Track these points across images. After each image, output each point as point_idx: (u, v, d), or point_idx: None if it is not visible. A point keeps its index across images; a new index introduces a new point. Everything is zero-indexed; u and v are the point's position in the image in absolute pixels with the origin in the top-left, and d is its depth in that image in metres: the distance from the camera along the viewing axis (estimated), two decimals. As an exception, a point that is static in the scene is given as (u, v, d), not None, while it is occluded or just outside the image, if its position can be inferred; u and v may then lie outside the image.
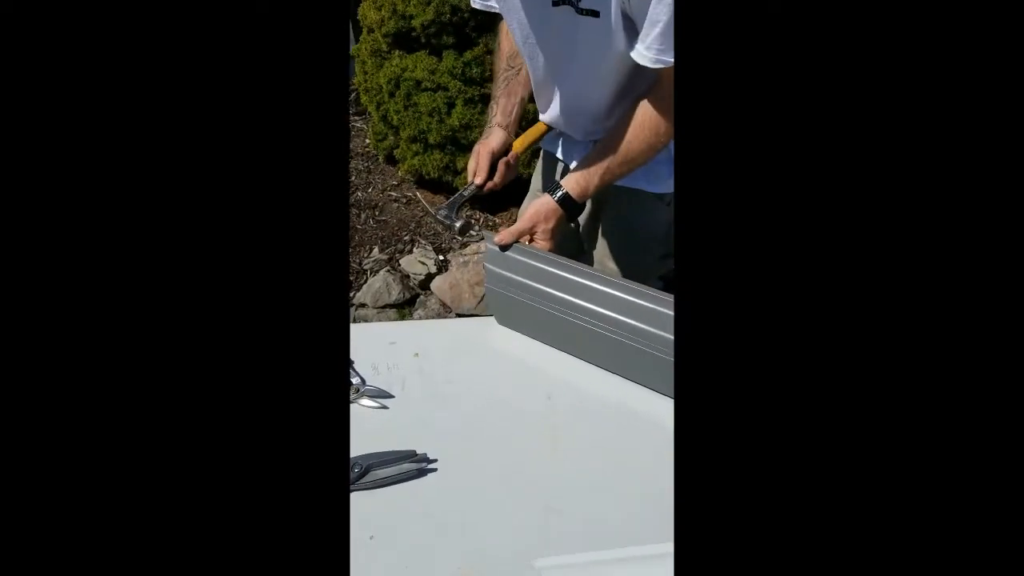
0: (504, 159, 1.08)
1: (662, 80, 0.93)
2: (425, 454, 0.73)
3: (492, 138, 1.09)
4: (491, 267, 0.93)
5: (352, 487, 0.69)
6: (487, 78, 2.30)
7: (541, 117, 1.17)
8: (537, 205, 0.99)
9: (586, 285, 0.87)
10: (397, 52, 2.46)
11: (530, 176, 1.36)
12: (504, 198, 2.63)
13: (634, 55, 0.90)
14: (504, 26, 1.11)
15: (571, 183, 0.99)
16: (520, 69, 1.12)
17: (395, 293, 2.23)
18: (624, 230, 1.17)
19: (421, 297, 2.24)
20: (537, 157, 1.34)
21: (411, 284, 2.27)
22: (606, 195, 1.12)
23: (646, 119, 0.95)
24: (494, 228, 2.61)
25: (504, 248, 0.94)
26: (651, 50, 0.87)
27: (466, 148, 2.46)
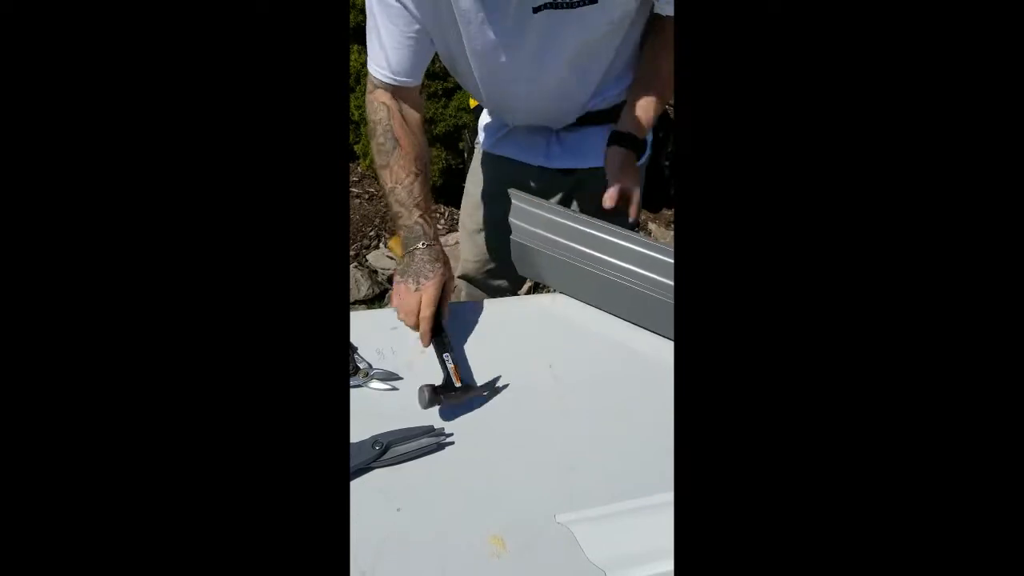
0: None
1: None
2: (442, 428, 0.74)
3: (430, 284, 0.88)
4: (515, 222, 0.97)
5: (375, 464, 0.70)
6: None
7: (510, 122, 1.12)
8: (620, 159, 0.95)
9: (600, 237, 0.91)
10: (356, 46, 2.44)
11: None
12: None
13: (660, 8, 0.92)
14: (381, 128, 0.96)
15: (633, 126, 0.97)
16: (420, 173, 0.97)
17: (364, 288, 2.21)
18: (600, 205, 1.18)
19: (391, 292, 2.23)
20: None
21: (379, 279, 2.26)
22: (584, 176, 1.12)
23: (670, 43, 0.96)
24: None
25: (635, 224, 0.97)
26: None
27: (431, 142, 2.46)
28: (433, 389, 0.76)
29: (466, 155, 1.37)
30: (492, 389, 0.81)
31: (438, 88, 2.36)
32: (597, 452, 0.76)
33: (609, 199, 0.91)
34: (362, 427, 0.72)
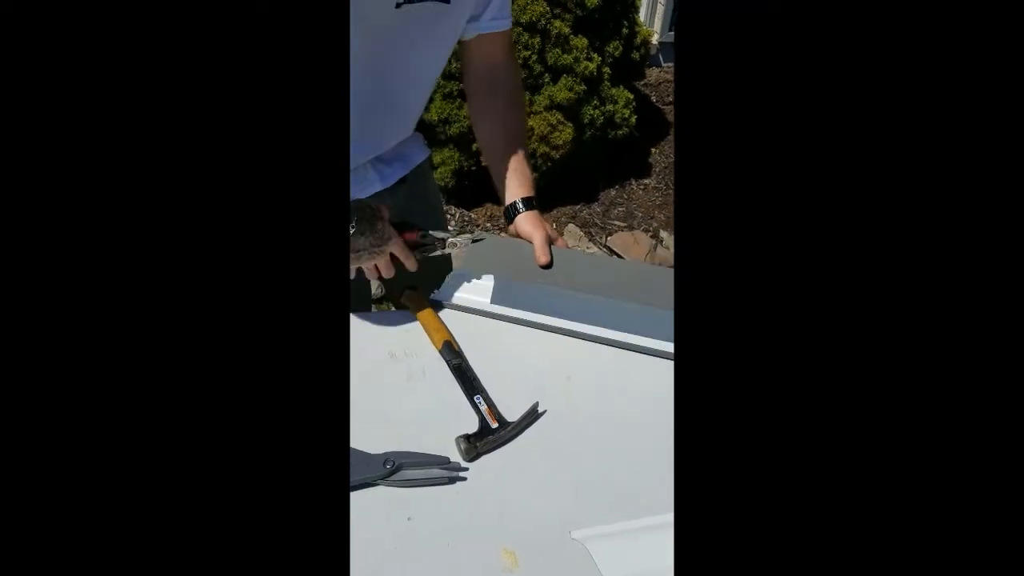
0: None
1: (490, 55, 1.02)
2: (457, 463, 0.72)
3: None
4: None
5: (383, 482, 0.69)
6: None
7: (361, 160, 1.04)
8: (534, 224, 0.99)
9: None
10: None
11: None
12: (479, 194, 2.62)
13: (488, 27, 0.97)
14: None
15: (525, 189, 1.02)
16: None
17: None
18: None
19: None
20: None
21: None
22: (410, 178, 1.11)
23: (518, 94, 1.06)
24: (470, 223, 2.60)
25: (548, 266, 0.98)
26: (502, 16, 0.98)
27: (443, 143, 2.45)
28: (468, 439, 0.74)
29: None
30: (529, 419, 0.79)
31: (453, 88, 2.35)
32: (616, 467, 0.74)
33: (544, 256, 0.97)
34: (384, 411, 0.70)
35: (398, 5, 0.85)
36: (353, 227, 0.82)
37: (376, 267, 0.88)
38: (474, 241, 0.98)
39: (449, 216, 2.59)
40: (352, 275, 0.88)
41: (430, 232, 0.93)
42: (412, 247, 0.90)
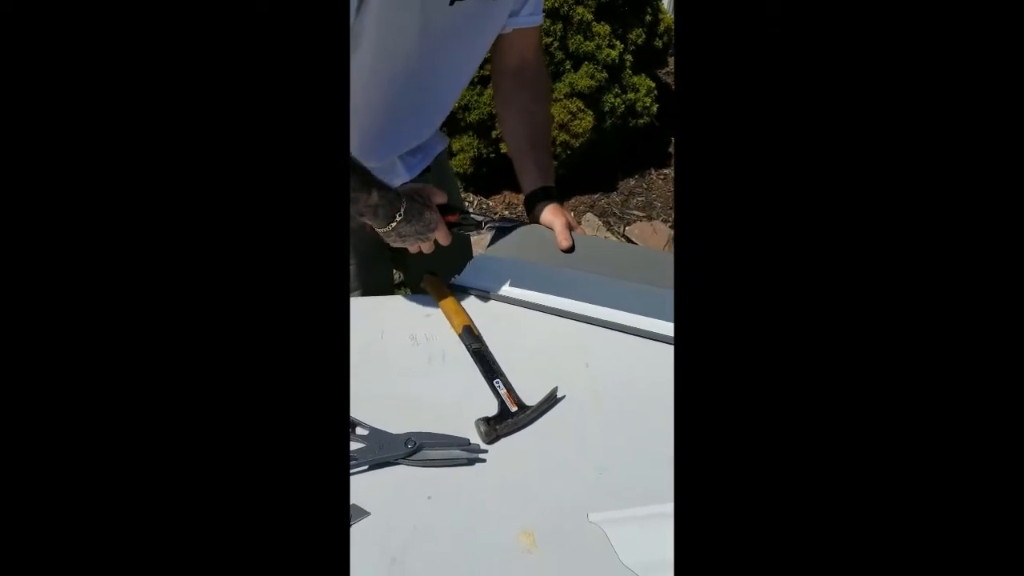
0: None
1: (522, 49, 1.05)
2: (477, 444, 0.73)
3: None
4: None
5: (404, 461, 0.70)
6: (486, 59, 2.28)
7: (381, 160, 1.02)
8: (554, 212, 0.99)
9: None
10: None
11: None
12: (498, 182, 2.62)
13: (525, 22, 1.00)
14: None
15: (547, 179, 1.03)
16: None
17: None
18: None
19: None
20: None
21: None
22: (432, 167, 1.12)
23: (544, 88, 1.10)
24: (488, 211, 2.60)
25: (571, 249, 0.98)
26: (537, 12, 1.00)
27: (463, 130, 2.44)
28: (488, 422, 0.75)
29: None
30: (548, 403, 0.79)
31: (475, 75, 2.34)
32: (633, 452, 0.74)
33: (566, 241, 0.97)
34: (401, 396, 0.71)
35: (451, 2, 0.86)
36: (400, 215, 0.85)
37: (420, 248, 0.92)
38: (508, 228, 0.99)
39: (467, 204, 2.59)
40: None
41: (470, 215, 0.96)
42: (450, 227, 0.93)
